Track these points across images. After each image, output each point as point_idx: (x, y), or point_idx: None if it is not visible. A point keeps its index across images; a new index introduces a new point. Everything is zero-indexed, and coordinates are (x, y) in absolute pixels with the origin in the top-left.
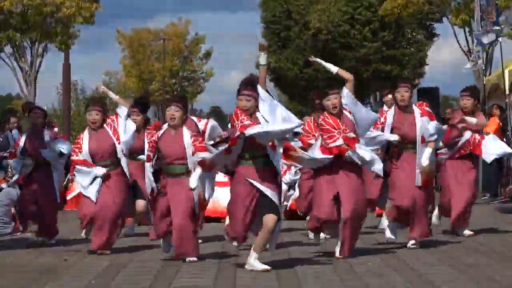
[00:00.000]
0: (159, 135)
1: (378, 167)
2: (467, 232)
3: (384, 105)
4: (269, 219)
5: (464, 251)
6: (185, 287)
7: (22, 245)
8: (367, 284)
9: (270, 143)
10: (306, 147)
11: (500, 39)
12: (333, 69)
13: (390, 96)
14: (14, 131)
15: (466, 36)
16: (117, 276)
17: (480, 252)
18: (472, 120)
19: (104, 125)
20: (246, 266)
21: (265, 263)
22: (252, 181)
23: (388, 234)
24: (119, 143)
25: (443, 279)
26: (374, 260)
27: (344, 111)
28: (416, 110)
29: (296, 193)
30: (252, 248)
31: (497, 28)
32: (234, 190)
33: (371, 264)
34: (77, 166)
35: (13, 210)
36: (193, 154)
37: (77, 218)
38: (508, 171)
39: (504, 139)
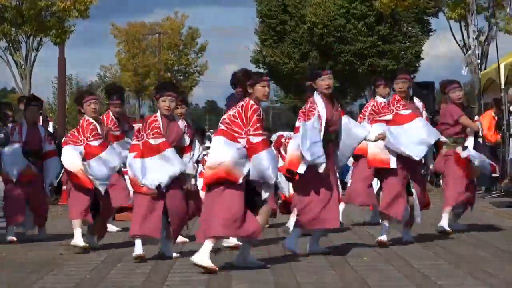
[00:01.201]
0: None
1: None
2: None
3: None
4: None
5: (460, 245)
6: (180, 281)
7: (17, 239)
8: (364, 278)
9: None
10: None
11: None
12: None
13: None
14: (10, 125)
15: (462, 31)
16: (112, 271)
17: (476, 246)
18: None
19: None
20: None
21: (260, 258)
22: None
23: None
24: None
25: (440, 274)
26: (370, 255)
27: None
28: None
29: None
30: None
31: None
32: None
33: (367, 258)
34: None
35: None
36: None
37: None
38: (503, 164)
39: (500, 134)
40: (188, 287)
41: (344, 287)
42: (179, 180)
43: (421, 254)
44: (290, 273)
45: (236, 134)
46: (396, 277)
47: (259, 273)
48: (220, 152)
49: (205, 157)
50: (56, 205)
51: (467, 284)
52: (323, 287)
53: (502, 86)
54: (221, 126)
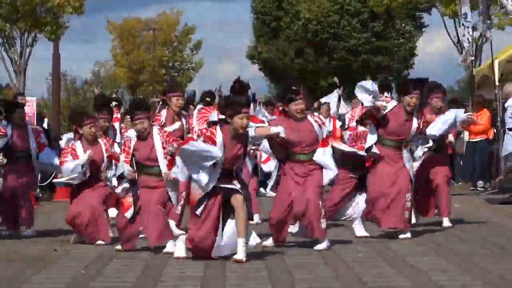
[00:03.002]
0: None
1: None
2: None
3: None
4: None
5: (455, 241)
6: (175, 277)
7: (12, 235)
8: (358, 274)
9: None
10: None
11: (490, 32)
12: None
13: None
14: (4, 122)
15: (456, 27)
16: (107, 266)
17: (471, 242)
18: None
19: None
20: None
21: (255, 254)
22: None
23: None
24: None
25: (435, 269)
26: (364, 250)
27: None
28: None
29: None
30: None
31: (488, 22)
32: None
33: (361, 254)
34: None
35: None
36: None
37: (66, 208)
38: (497, 161)
39: (494, 130)
40: (183, 283)
41: (338, 283)
42: None
43: (415, 250)
44: (284, 269)
45: None
46: (390, 273)
47: (254, 269)
48: None
49: None
50: (50, 201)
51: (462, 280)
52: (318, 283)
53: (497, 83)
54: None
